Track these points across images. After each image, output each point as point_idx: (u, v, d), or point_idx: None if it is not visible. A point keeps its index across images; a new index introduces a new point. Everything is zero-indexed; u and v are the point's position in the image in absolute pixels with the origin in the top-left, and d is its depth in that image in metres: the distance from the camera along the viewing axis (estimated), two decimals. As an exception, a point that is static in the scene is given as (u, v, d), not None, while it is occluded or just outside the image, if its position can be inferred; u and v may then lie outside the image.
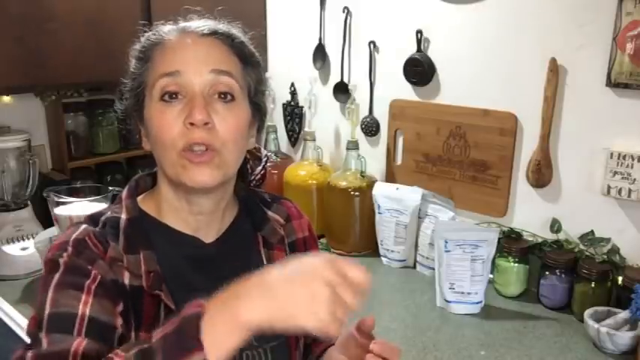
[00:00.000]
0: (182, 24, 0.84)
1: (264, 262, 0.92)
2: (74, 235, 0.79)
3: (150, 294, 0.79)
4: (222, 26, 0.84)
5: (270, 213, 0.96)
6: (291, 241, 0.98)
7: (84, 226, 0.81)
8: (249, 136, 0.87)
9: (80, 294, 0.73)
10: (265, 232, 0.94)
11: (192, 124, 0.77)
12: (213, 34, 0.82)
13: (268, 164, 1.00)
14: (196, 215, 0.86)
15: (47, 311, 0.73)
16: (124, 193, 0.88)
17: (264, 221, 0.94)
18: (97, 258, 0.77)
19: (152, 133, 0.81)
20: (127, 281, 0.79)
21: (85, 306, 0.72)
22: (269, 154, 0.98)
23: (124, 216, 0.84)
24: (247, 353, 0.87)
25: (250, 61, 0.86)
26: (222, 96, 0.80)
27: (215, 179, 0.80)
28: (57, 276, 0.75)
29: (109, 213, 0.85)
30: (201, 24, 0.83)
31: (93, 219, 0.84)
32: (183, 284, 0.84)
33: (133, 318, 0.79)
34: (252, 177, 0.97)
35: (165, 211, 0.87)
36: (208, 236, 0.89)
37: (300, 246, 0.99)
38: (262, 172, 0.99)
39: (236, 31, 0.86)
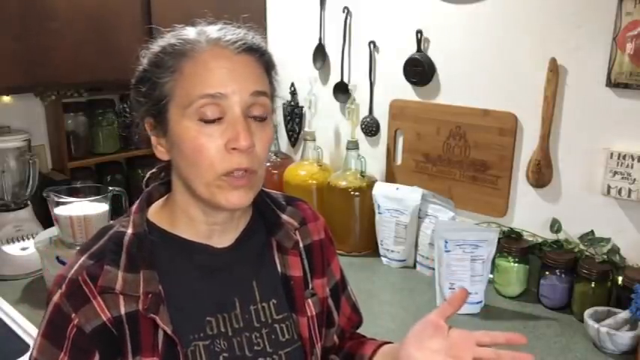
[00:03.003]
0: (212, 34, 0.80)
1: (278, 268, 0.91)
2: (70, 273, 0.79)
3: (145, 317, 0.78)
4: (252, 39, 0.82)
5: (284, 217, 0.93)
6: (307, 245, 0.95)
7: (81, 260, 0.80)
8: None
9: (59, 352, 0.78)
10: (279, 237, 0.91)
11: (234, 149, 0.76)
12: (248, 50, 0.80)
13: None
14: (211, 225, 0.85)
15: (34, 356, 0.80)
16: (135, 206, 0.86)
17: (277, 225, 0.92)
18: (85, 302, 0.77)
19: (185, 151, 0.78)
20: (122, 310, 0.78)
21: None
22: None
23: (129, 231, 0.82)
24: None
25: (272, 71, 0.85)
26: (258, 115, 0.79)
27: (250, 199, 0.80)
28: (45, 322, 0.80)
29: (117, 226, 0.84)
30: (233, 37, 0.79)
31: (102, 233, 0.84)
32: (191, 297, 0.83)
33: (131, 345, 0.78)
34: None
35: (178, 221, 0.85)
36: (221, 243, 0.87)
37: (317, 249, 0.96)
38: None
39: (260, 40, 0.84)
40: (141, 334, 0.78)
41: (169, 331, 0.78)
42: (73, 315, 0.77)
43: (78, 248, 0.83)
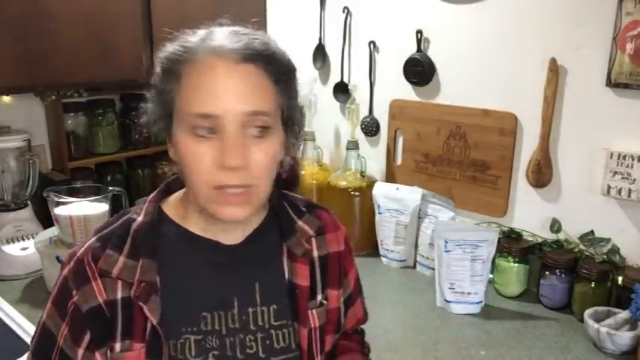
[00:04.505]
0: (213, 42, 0.77)
1: (285, 274, 0.89)
2: (80, 252, 0.82)
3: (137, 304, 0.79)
4: (257, 44, 0.77)
5: (299, 223, 0.91)
6: (323, 255, 0.93)
7: (91, 241, 0.83)
8: (281, 154, 0.84)
9: (62, 323, 0.81)
10: (290, 243, 0.89)
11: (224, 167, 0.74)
12: (250, 59, 0.76)
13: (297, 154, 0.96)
14: (221, 224, 0.84)
15: (43, 318, 0.84)
16: (151, 195, 0.87)
17: (291, 231, 0.90)
18: (86, 282, 0.80)
19: (183, 161, 0.78)
20: (118, 294, 0.80)
21: (61, 337, 0.81)
22: (293, 141, 0.92)
23: (140, 218, 0.83)
24: None
25: (284, 78, 0.80)
26: (256, 130, 0.77)
27: (247, 214, 0.79)
28: (56, 289, 0.83)
29: (131, 212, 0.85)
30: (235, 45, 0.76)
31: (118, 217, 0.86)
32: (191, 290, 0.83)
33: (121, 329, 0.79)
34: (282, 170, 0.93)
35: (190, 216, 0.85)
36: (230, 239, 0.86)
37: (334, 260, 0.94)
38: (291, 164, 0.96)
39: (272, 46, 0.80)
40: (134, 320, 0.79)
41: (154, 322, 0.79)
42: (74, 292, 0.79)
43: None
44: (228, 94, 0.74)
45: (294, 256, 0.90)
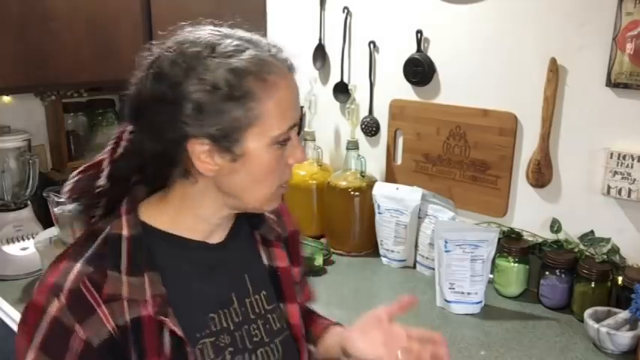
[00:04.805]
0: (279, 55, 0.81)
1: (264, 260, 0.95)
2: (68, 284, 0.75)
3: (151, 320, 0.77)
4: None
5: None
6: (285, 236, 1.00)
7: (77, 267, 0.76)
8: None
9: None
10: (263, 230, 0.96)
11: (291, 164, 0.85)
12: (293, 68, 0.84)
13: None
14: (213, 225, 0.87)
15: None
16: (124, 207, 0.82)
17: (260, 220, 0.96)
18: (89, 312, 0.74)
19: (256, 171, 0.80)
20: (127, 316, 0.76)
21: None
22: None
23: (125, 233, 0.79)
24: (262, 351, 0.88)
25: None
26: None
27: None
28: (42, 335, 0.74)
29: (108, 229, 0.80)
30: (289, 58, 0.83)
31: (91, 236, 0.80)
32: (192, 295, 0.84)
33: (135, 351, 0.76)
34: None
35: (181, 220, 0.84)
36: (217, 238, 0.89)
37: (293, 240, 1.02)
38: None
39: None
40: (145, 339, 0.77)
41: (180, 333, 0.78)
42: (77, 326, 0.73)
43: (61, 254, 0.79)
44: (298, 102, 0.84)
45: (268, 241, 0.96)
